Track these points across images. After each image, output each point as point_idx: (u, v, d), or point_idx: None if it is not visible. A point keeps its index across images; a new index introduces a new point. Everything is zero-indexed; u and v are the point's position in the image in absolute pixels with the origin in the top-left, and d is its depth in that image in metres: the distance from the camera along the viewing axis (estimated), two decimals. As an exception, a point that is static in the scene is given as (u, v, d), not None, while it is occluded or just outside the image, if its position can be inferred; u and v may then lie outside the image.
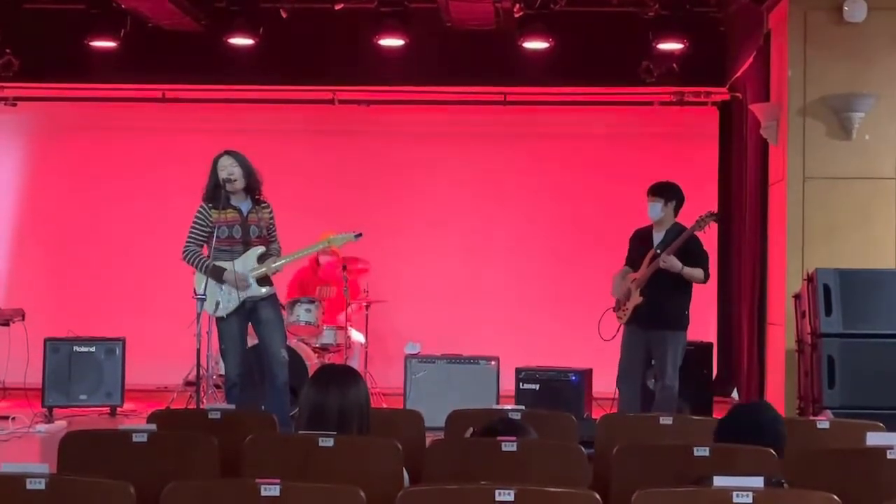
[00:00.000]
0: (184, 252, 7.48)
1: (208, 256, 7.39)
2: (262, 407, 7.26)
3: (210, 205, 7.42)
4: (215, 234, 7.38)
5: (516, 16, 9.76)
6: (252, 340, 7.78)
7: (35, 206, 11.81)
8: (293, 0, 9.97)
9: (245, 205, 7.47)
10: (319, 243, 8.04)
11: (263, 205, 7.53)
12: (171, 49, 10.58)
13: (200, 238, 7.44)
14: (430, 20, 10.07)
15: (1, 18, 10.32)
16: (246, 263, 7.40)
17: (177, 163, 11.00)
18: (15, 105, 11.63)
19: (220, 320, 7.43)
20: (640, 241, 7.76)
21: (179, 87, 11.28)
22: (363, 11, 9.97)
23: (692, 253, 7.51)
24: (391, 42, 10.05)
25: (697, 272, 7.50)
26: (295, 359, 9.11)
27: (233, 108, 11.39)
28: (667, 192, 7.63)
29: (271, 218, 7.57)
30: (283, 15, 10.09)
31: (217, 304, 7.38)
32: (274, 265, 7.48)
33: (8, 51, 10.63)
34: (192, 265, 7.49)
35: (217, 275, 7.35)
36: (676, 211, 7.67)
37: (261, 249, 7.46)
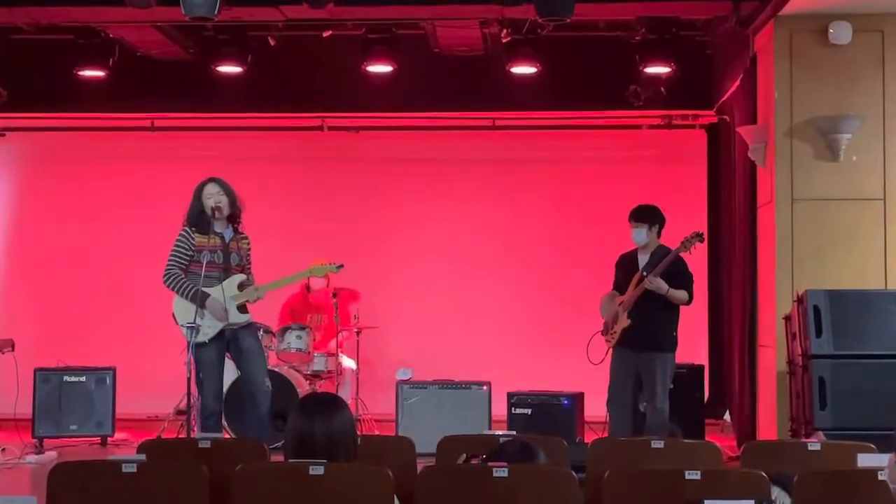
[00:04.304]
0: (165, 275, 7.44)
1: (187, 279, 7.38)
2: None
3: (194, 229, 7.42)
4: (197, 259, 7.36)
5: (504, 41, 9.78)
6: (229, 374, 7.77)
7: (24, 236, 11.78)
8: (281, 28, 9.99)
9: (227, 232, 7.52)
10: (301, 273, 8.03)
11: (243, 236, 7.61)
12: (159, 78, 10.59)
13: (182, 262, 7.43)
14: (419, 46, 10.09)
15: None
16: (228, 290, 7.39)
17: (166, 191, 10.95)
18: (3, 136, 11.64)
19: (199, 346, 7.34)
20: (626, 265, 7.89)
21: (168, 116, 11.27)
22: (351, 38, 9.98)
23: (677, 274, 7.63)
24: (379, 68, 10.06)
25: (682, 294, 7.63)
26: (286, 386, 9.09)
27: (222, 136, 11.39)
28: (650, 217, 7.80)
29: (249, 250, 7.64)
30: (272, 42, 10.10)
31: (198, 329, 7.31)
32: (256, 293, 7.48)
33: (-4, 81, 10.65)
34: (173, 290, 7.45)
35: (201, 300, 7.32)
36: (659, 233, 7.85)
37: (242, 277, 7.50)
